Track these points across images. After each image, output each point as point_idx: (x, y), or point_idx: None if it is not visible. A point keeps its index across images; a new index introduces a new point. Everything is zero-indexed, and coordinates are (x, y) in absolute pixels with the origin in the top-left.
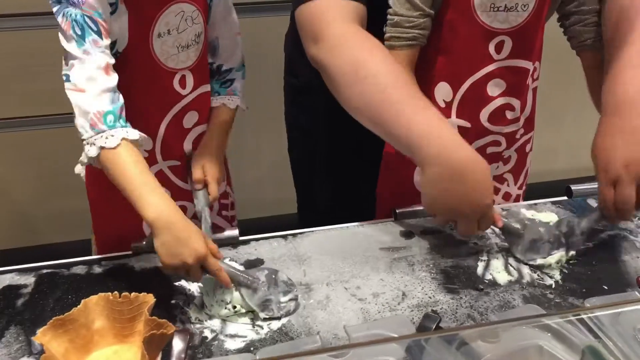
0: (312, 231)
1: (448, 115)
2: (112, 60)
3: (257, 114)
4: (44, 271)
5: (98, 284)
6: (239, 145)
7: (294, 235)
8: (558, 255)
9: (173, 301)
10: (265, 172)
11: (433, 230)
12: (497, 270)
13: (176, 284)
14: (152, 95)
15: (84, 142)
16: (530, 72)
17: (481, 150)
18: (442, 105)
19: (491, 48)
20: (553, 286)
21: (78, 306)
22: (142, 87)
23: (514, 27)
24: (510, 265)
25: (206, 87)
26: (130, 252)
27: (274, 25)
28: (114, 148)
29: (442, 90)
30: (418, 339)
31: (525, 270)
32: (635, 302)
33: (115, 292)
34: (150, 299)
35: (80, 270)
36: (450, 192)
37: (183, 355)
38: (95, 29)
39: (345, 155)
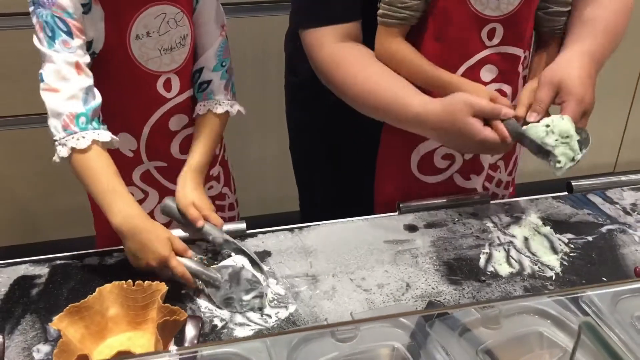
0: (318, 224)
1: None
2: (86, 59)
3: (260, 112)
4: (58, 262)
5: (110, 275)
6: (243, 144)
7: (300, 228)
8: None
9: (183, 291)
10: (269, 170)
11: (436, 224)
12: (499, 263)
13: None
14: (132, 98)
15: (56, 143)
16: (521, 60)
17: None
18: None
19: (483, 34)
20: (553, 278)
21: (93, 294)
22: (121, 89)
23: (505, 15)
24: (512, 258)
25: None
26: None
27: (274, 25)
28: (85, 151)
29: None
30: (422, 325)
31: (527, 262)
32: (628, 282)
33: (129, 280)
34: (163, 287)
35: (93, 261)
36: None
37: (196, 341)
38: (65, 29)
39: (345, 152)
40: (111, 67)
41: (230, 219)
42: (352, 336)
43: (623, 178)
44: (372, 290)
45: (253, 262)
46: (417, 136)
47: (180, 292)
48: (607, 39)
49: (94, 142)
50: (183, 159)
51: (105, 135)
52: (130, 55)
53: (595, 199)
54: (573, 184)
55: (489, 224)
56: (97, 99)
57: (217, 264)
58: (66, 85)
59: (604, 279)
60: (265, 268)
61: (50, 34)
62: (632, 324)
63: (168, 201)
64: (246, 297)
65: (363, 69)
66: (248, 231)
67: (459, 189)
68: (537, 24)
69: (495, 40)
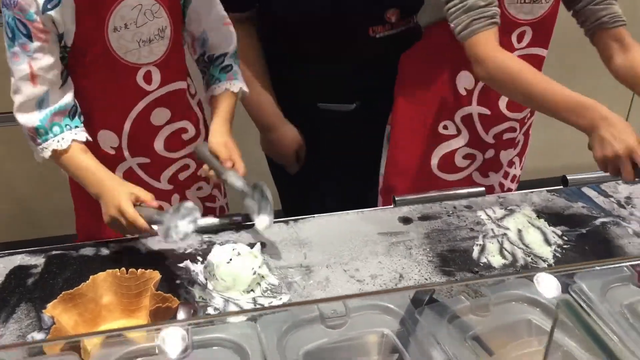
0: (313, 217)
1: (469, 103)
2: (45, 61)
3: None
4: (54, 252)
5: (106, 265)
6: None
7: (295, 220)
8: None
9: (178, 281)
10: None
11: (431, 216)
12: (492, 254)
13: (181, 265)
14: (112, 91)
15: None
16: (544, 59)
17: (498, 137)
18: (464, 93)
19: (513, 38)
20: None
21: (87, 282)
22: (101, 82)
23: (536, 18)
24: (505, 250)
25: (180, 85)
26: (136, 236)
27: None
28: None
29: (464, 79)
30: (412, 311)
31: (520, 254)
32: (610, 262)
33: (123, 268)
34: (156, 275)
35: (88, 252)
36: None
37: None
38: (24, 32)
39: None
40: (90, 61)
41: None
42: (342, 323)
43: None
44: (365, 280)
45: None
46: (438, 137)
47: (175, 282)
48: None
49: (54, 151)
50: (168, 157)
51: (66, 142)
52: (109, 47)
53: (590, 192)
54: (568, 177)
55: (483, 217)
56: (62, 100)
57: None
58: (19, 97)
59: (597, 268)
60: (261, 257)
61: (10, 36)
62: (621, 312)
63: (200, 145)
64: (181, 222)
65: None
66: (243, 223)
67: (479, 185)
68: (586, 20)
69: (523, 43)
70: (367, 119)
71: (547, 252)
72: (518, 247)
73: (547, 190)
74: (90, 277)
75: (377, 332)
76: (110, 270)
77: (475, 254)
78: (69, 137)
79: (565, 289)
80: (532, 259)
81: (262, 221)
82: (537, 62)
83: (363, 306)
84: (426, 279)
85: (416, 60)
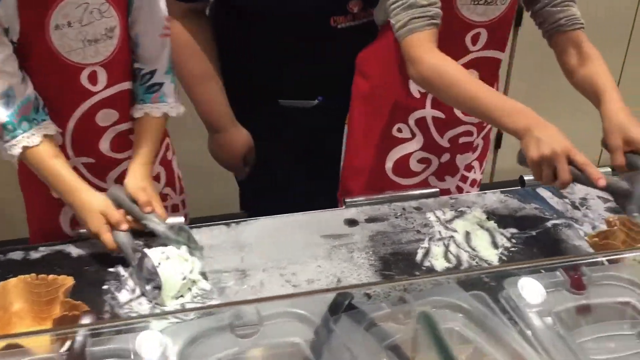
0: (257, 219)
1: (423, 106)
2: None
3: None
4: None
5: (33, 270)
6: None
7: (237, 222)
8: None
9: (105, 286)
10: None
11: (378, 218)
12: (436, 258)
13: (111, 269)
14: (56, 90)
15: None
16: (500, 63)
17: (454, 141)
18: (417, 96)
19: (467, 40)
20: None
21: None
22: (44, 81)
23: (491, 20)
24: (450, 253)
25: (127, 85)
26: (69, 239)
27: None
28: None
29: None
30: (327, 320)
31: (465, 257)
32: (532, 265)
33: (33, 274)
34: (68, 281)
35: (17, 256)
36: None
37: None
38: None
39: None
40: (32, 58)
41: None
42: (253, 332)
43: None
44: (301, 285)
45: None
46: (392, 140)
47: (102, 287)
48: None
49: (24, 148)
50: (114, 157)
51: (35, 139)
52: (51, 45)
53: (545, 193)
54: (525, 178)
55: (432, 218)
56: (25, 94)
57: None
58: None
59: (542, 271)
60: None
61: None
62: (547, 320)
63: (114, 188)
64: (147, 287)
65: None
66: (188, 225)
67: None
68: (544, 22)
69: (479, 46)
70: (330, 116)
71: (492, 255)
72: (464, 250)
73: (502, 191)
74: (0, 283)
75: (290, 342)
76: (21, 276)
77: (418, 257)
78: (39, 132)
79: (495, 295)
80: (477, 262)
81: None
82: (493, 65)
83: (278, 314)
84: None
85: (370, 60)
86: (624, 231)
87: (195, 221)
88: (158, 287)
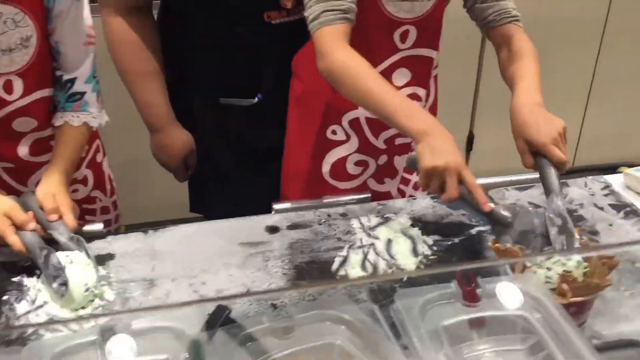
0: (176, 227)
1: (354, 106)
2: None
3: None
4: None
5: None
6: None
7: (155, 229)
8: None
9: (5, 297)
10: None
11: (301, 225)
12: (352, 266)
13: (14, 279)
14: None
15: None
16: (433, 61)
17: (390, 142)
18: None
19: (396, 38)
20: (404, 280)
21: None
22: None
23: (418, 17)
24: (368, 261)
25: (44, 93)
26: None
27: None
28: None
29: None
30: (203, 334)
31: (382, 266)
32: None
33: None
34: None
35: None
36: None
37: None
38: None
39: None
40: None
41: (107, 223)
42: (123, 348)
43: (513, 177)
44: (208, 295)
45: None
46: (328, 143)
47: (2, 297)
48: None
49: None
50: (34, 161)
51: None
52: None
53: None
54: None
55: (356, 225)
56: None
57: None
58: None
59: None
60: (103, 272)
61: None
62: (434, 333)
63: (26, 194)
64: (54, 285)
65: None
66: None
67: (373, 193)
68: (477, 18)
69: (408, 43)
70: (271, 114)
71: (411, 264)
72: (383, 259)
73: (432, 197)
74: None
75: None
76: None
77: (334, 266)
78: None
79: (385, 308)
80: (393, 271)
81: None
82: (426, 64)
83: (153, 328)
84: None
85: (303, 62)
86: None
87: (144, 225)
88: (64, 284)
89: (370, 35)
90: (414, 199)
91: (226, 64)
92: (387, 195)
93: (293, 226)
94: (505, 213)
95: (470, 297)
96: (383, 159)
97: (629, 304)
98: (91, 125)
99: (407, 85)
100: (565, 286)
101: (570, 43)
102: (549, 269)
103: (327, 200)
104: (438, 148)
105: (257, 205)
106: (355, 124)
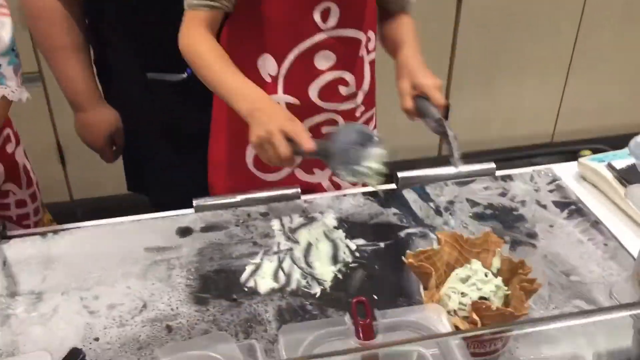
0: (80, 227)
1: (275, 91)
2: None
3: None
4: None
5: None
6: None
7: (55, 231)
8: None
9: None
10: None
11: (216, 226)
12: (263, 276)
13: None
14: None
15: None
16: (364, 43)
17: (315, 129)
18: (268, 80)
19: (316, 16)
20: (317, 295)
21: None
22: None
23: None
24: (282, 270)
25: None
26: None
27: None
28: None
29: (267, 64)
30: None
31: (296, 275)
32: None
33: None
34: None
35: None
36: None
37: None
38: None
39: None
40: None
41: (22, 217)
42: None
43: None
44: (99, 312)
45: None
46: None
47: None
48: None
49: None
50: None
51: None
52: None
53: (409, 195)
54: (400, 175)
55: (276, 227)
56: None
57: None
58: None
59: (375, 296)
60: None
61: None
62: None
63: None
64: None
65: None
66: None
67: (303, 184)
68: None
69: (331, 23)
70: (200, 91)
71: (328, 273)
72: (299, 267)
73: (364, 194)
74: None
75: None
76: None
77: (244, 276)
78: None
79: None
80: (307, 282)
81: None
82: (353, 46)
83: None
84: (172, 309)
85: (223, 45)
86: (456, 248)
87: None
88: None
89: (290, 12)
90: (344, 196)
91: (152, 35)
92: (319, 187)
93: (207, 228)
94: (327, 144)
95: (365, 333)
96: None
97: (557, 324)
98: (10, 100)
99: (332, 69)
100: (475, 316)
101: (551, 15)
102: (463, 294)
103: (252, 195)
104: (259, 120)
105: (194, 189)
106: None
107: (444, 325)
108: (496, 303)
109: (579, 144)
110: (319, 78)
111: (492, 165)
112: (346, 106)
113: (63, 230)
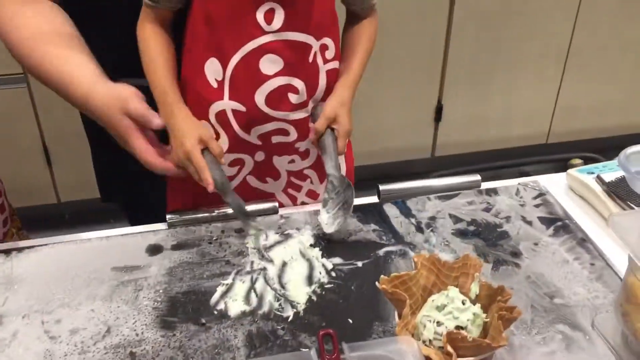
0: (45, 244)
1: (220, 97)
2: None
3: None
4: None
5: None
6: None
7: (19, 249)
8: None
9: None
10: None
11: (188, 244)
12: (234, 298)
13: None
14: None
15: None
16: (316, 50)
17: (265, 138)
18: (215, 85)
19: (259, 17)
20: (290, 319)
21: None
22: None
23: None
24: (254, 291)
25: None
26: None
27: None
28: None
29: (213, 68)
30: None
31: (269, 297)
32: None
33: None
34: None
35: None
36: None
37: None
38: None
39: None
40: None
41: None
42: None
43: (448, 182)
44: (60, 337)
45: None
46: None
47: None
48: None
49: None
50: None
51: None
52: None
53: (390, 210)
54: (381, 187)
55: (251, 245)
56: None
57: None
58: None
59: (350, 320)
60: None
61: None
62: None
63: None
64: None
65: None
66: None
67: (257, 193)
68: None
69: (276, 25)
70: None
71: (302, 295)
72: (272, 288)
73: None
74: None
75: None
76: None
77: (214, 298)
78: None
79: None
80: (280, 304)
81: None
82: (301, 50)
83: None
84: (137, 334)
85: (183, 47)
86: (434, 271)
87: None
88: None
89: (231, 12)
90: (317, 211)
91: (121, 41)
92: (274, 198)
93: (178, 246)
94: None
95: None
96: (260, 155)
97: (539, 352)
98: None
99: (278, 74)
100: (450, 349)
101: (547, 12)
102: (439, 323)
103: (228, 210)
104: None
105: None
106: (222, 117)
107: (415, 354)
108: (474, 332)
109: (574, 145)
110: (265, 84)
111: (478, 177)
112: (297, 115)
113: (28, 248)
